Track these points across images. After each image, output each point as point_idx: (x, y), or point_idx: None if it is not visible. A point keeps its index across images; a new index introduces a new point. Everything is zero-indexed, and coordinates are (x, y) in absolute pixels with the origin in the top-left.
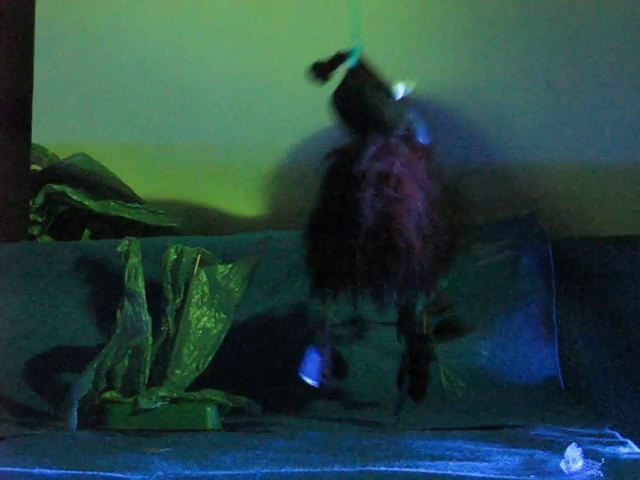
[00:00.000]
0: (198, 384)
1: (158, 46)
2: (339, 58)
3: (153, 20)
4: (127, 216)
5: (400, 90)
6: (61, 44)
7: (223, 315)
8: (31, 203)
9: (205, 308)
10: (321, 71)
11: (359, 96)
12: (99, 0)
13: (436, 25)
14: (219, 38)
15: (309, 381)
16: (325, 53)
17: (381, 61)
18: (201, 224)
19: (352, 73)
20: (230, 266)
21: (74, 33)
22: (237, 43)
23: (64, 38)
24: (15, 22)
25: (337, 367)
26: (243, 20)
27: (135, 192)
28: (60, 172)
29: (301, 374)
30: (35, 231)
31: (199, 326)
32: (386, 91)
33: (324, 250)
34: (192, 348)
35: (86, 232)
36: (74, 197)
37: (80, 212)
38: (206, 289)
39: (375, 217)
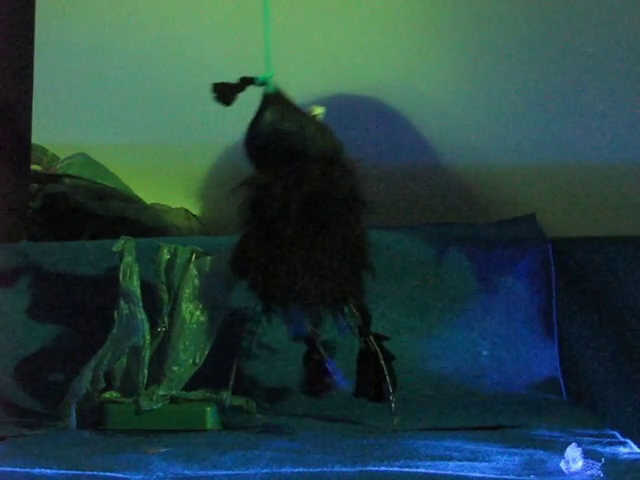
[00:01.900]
0: (197, 384)
1: (158, 47)
2: (243, 83)
3: (153, 21)
4: (127, 216)
5: (319, 113)
6: (61, 44)
7: (216, 307)
8: (31, 203)
9: (197, 301)
10: (223, 94)
11: (280, 122)
12: (99, 0)
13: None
14: (219, 38)
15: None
16: (322, 52)
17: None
18: (201, 224)
19: (267, 100)
20: (215, 257)
21: (74, 34)
22: (237, 43)
23: (64, 38)
24: (15, 22)
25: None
26: (243, 20)
27: (135, 192)
28: (60, 172)
29: (338, 385)
30: (35, 231)
31: (193, 320)
32: (304, 115)
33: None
34: (187, 343)
35: (86, 232)
36: (74, 197)
37: (80, 212)
38: (197, 282)
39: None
